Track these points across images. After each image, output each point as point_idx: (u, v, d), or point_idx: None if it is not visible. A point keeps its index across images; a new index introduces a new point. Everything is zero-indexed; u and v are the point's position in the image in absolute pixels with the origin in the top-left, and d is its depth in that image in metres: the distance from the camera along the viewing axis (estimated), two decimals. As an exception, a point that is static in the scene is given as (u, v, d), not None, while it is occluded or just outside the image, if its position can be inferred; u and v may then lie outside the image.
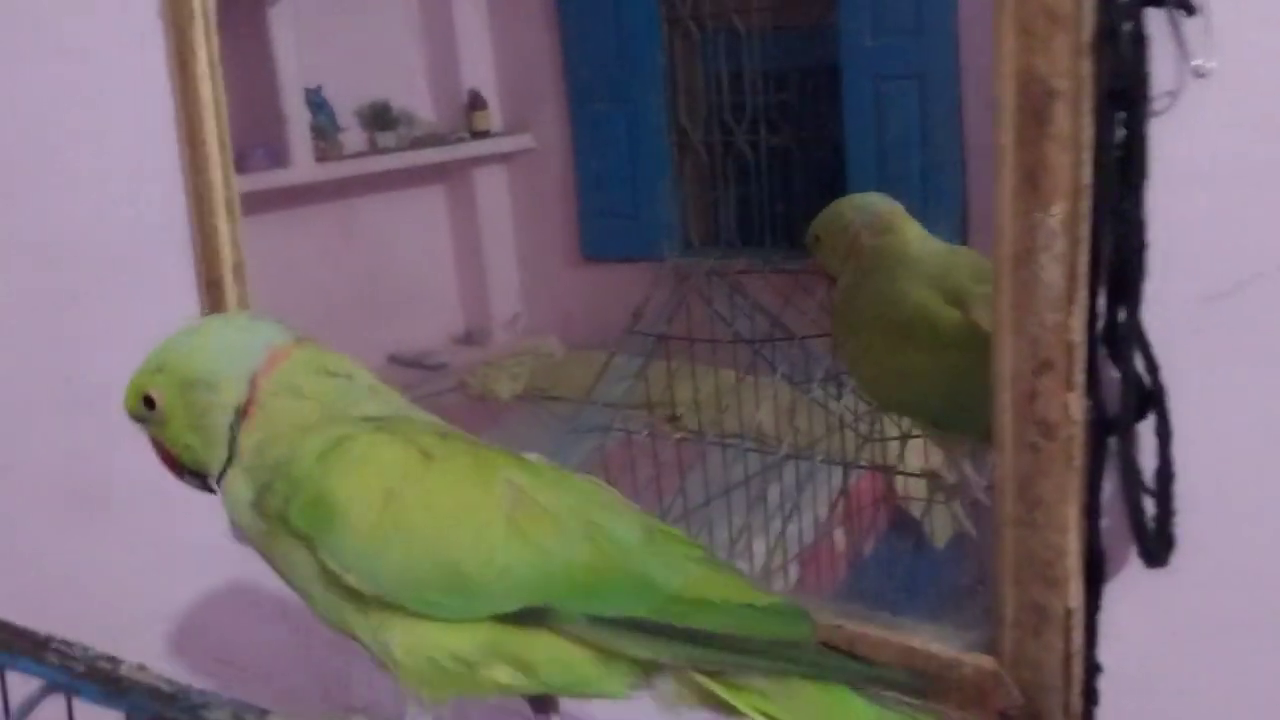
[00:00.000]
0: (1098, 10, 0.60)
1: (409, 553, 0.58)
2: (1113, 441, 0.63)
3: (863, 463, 0.94)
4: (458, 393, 1.27)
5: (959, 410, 0.80)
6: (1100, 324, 0.63)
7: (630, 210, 1.19)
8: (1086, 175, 0.62)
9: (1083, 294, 0.63)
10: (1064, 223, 0.62)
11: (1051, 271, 0.63)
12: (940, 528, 0.92)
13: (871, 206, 0.89)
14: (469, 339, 1.31)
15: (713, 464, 0.97)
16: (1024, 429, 0.65)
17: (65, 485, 1.29)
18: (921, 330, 0.81)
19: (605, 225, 1.20)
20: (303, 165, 1.25)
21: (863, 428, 0.95)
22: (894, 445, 0.93)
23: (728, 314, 1.00)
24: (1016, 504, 0.66)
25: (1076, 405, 0.63)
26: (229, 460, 0.62)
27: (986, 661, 0.69)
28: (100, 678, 0.63)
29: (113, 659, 0.66)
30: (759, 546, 0.94)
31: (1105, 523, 0.66)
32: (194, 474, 0.65)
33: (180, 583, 1.22)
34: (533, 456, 0.64)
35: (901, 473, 0.93)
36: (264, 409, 0.62)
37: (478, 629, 0.59)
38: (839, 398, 0.96)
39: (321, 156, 1.26)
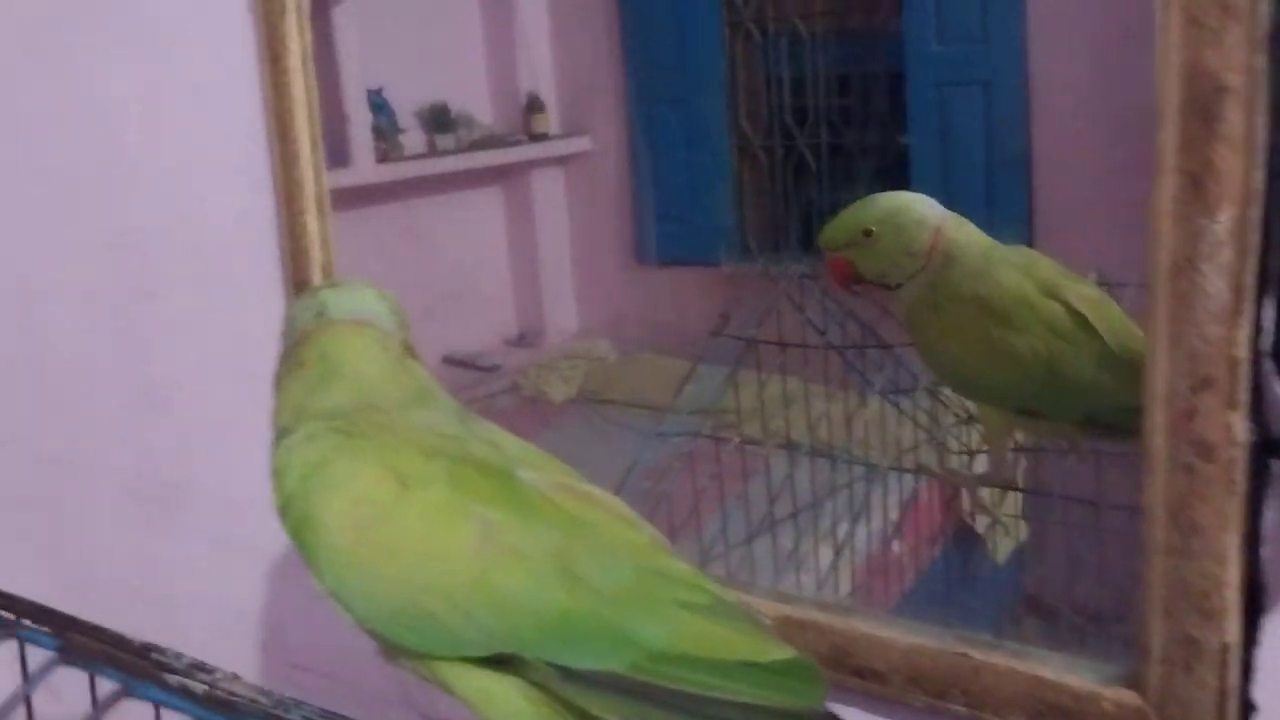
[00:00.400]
0: (1275, 1, 0.56)
1: (379, 588, 0.57)
2: (1276, 465, 0.60)
3: (931, 471, 0.93)
4: (511, 394, 1.27)
5: (1054, 396, 0.80)
6: (1268, 339, 0.59)
7: (687, 214, 1.18)
8: (1258, 179, 0.58)
9: (1249, 307, 0.59)
10: (1231, 230, 0.58)
11: (1215, 282, 0.59)
12: (1003, 543, 0.91)
13: (933, 203, 0.88)
14: (522, 341, 1.31)
15: (780, 473, 0.96)
16: (1179, 449, 0.62)
17: (137, 485, 1.30)
18: (1021, 313, 0.81)
19: (661, 229, 1.20)
20: (363, 166, 1.25)
21: (943, 438, 0.94)
22: (965, 457, 0.92)
23: (819, 321, 0.99)
24: (1169, 530, 0.62)
25: (1240, 425, 0.60)
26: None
27: (1129, 696, 0.66)
28: (210, 701, 0.61)
29: (204, 666, 0.64)
30: (825, 554, 0.93)
31: (1266, 552, 0.62)
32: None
33: (254, 585, 1.22)
34: (554, 471, 0.61)
35: (939, 477, 0.92)
36: (281, 386, 0.67)
37: (452, 667, 0.57)
38: (929, 409, 0.95)
39: (382, 158, 1.27)
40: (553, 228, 1.29)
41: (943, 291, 0.84)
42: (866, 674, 0.77)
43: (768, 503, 0.95)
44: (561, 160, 1.27)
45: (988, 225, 0.95)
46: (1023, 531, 0.90)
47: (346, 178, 1.23)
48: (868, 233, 0.86)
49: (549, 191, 1.29)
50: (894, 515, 0.93)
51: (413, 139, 1.28)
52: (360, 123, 1.24)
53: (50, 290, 1.31)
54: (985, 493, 0.91)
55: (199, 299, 1.19)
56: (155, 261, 1.22)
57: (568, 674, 0.54)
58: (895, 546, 0.93)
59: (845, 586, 0.92)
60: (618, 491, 1.00)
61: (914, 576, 0.93)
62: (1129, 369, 0.73)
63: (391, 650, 0.59)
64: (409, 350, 0.70)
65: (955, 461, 0.93)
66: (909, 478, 0.93)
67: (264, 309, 1.09)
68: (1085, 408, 0.80)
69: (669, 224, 1.20)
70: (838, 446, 0.95)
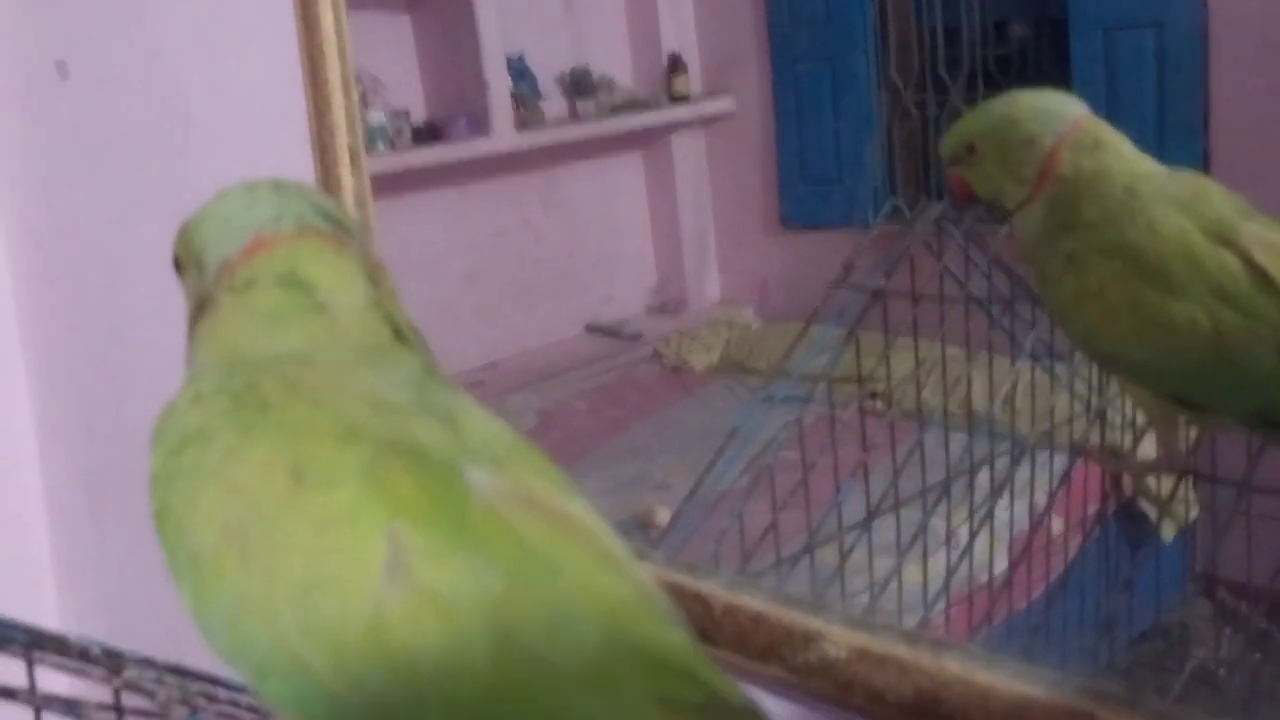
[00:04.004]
0: None
1: (244, 618, 0.41)
2: None
3: (1090, 451, 0.83)
4: (651, 362, 1.26)
5: (1218, 384, 0.62)
6: None
7: (834, 175, 1.14)
8: None
9: None
10: None
11: None
12: (1167, 523, 0.83)
13: (1061, 111, 0.72)
14: (664, 308, 1.29)
15: (908, 446, 0.89)
16: None
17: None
18: (1182, 271, 0.61)
19: (807, 191, 1.16)
20: (504, 134, 1.25)
21: (1104, 410, 0.82)
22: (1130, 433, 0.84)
23: (960, 271, 0.85)
24: None
25: None
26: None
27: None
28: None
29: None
30: (959, 537, 0.87)
31: None
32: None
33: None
34: (526, 471, 0.44)
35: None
36: (213, 306, 0.50)
37: None
38: (1088, 376, 0.82)
39: (522, 125, 1.26)
40: (695, 192, 1.26)
41: (1075, 237, 0.67)
42: (958, 727, 0.63)
43: (891, 479, 0.85)
44: (704, 122, 1.24)
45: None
46: (1193, 511, 0.80)
47: (487, 146, 1.23)
48: (971, 148, 0.73)
49: (691, 155, 1.26)
50: (1042, 496, 0.86)
51: (553, 105, 1.27)
52: (500, 90, 1.23)
53: (130, 264, 1.32)
54: (1152, 478, 0.81)
55: None
56: None
57: None
58: (1053, 526, 0.86)
59: (983, 576, 0.85)
60: (713, 464, 0.94)
61: (1064, 562, 0.87)
62: None
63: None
64: (379, 274, 0.52)
65: (1118, 439, 0.84)
66: (1062, 455, 0.85)
67: None
68: (1260, 401, 0.62)
69: (815, 186, 1.16)
70: (978, 416, 0.86)
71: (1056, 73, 0.95)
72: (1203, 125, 0.85)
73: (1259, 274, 0.59)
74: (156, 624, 0.65)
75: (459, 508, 0.41)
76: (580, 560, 0.41)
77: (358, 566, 0.39)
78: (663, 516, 1.01)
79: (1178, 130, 0.87)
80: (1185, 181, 0.68)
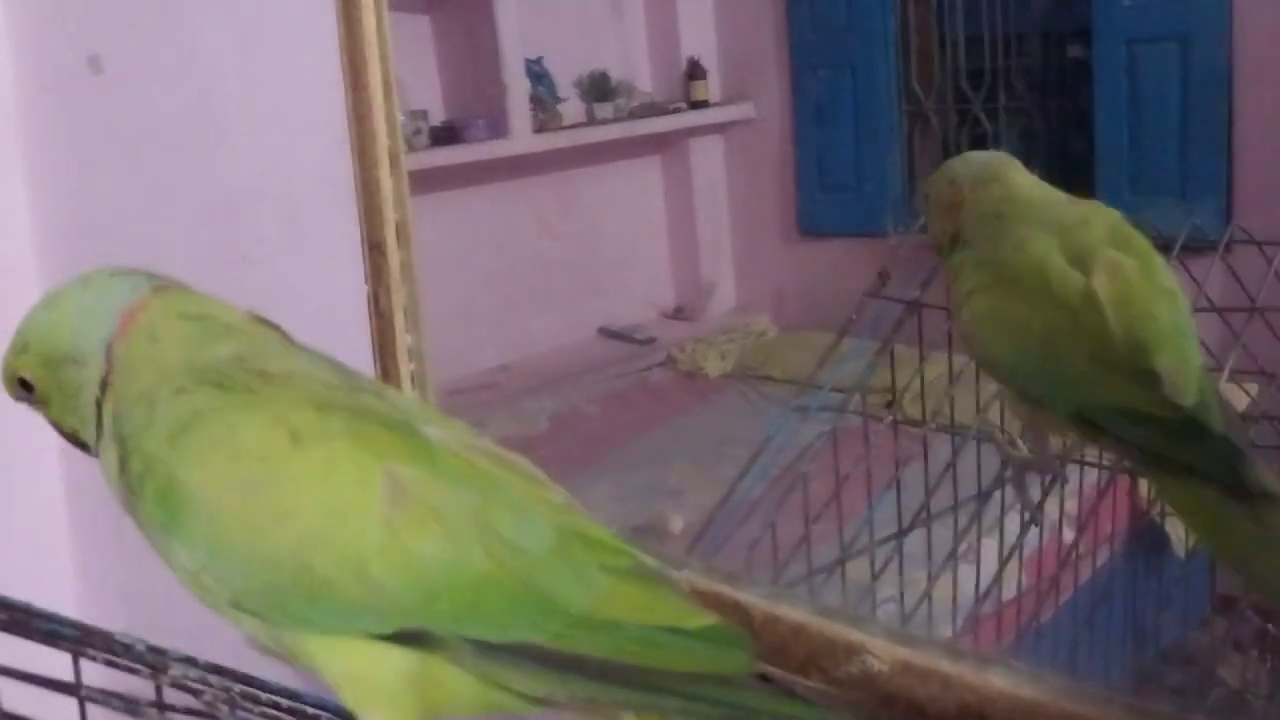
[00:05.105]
0: None
1: (266, 558, 0.49)
2: None
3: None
4: (666, 368, 1.25)
5: (1054, 381, 0.71)
6: None
7: (853, 182, 1.14)
8: None
9: None
10: None
11: None
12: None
13: (979, 159, 0.80)
14: (679, 313, 1.29)
15: (941, 460, 0.89)
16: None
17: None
18: (1035, 285, 0.71)
19: (826, 198, 1.16)
20: (521, 136, 1.25)
21: None
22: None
23: None
24: None
25: None
26: (100, 435, 0.55)
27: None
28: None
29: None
30: (989, 552, 0.87)
31: None
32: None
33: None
34: (456, 429, 0.54)
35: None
36: (122, 373, 0.54)
37: (365, 645, 0.50)
38: None
39: (540, 127, 1.26)
40: (712, 198, 1.26)
41: (962, 253, 0.76)
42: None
43: (924, 492, 0.87)
44: (722, 128, 1.24)
45: (1183, 197, 0.88)
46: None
47: (506, 148, 1.23)
48: (926, 196, 0.80)
49: (709, 160, 1.26)
50: (1071, 508, 0.86)
51: (572, 108, 1.27)
52: (519, 92, 1.23)
53: (161, 258, 1.32)
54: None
55: (280, 264, 1.17)
56: (252, 226, 1.23)
57: (485, 649, 0.49)
58: (1071, 542, 0.86)
59: (1011, 590, 0.85)
60: (746, 472, 0.96)
61: (1089, 576, 0.87)
62: (1130, 367, 0.66)
63: (264, 631, 0.52)
64: None
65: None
66: (1090, 469, 0.86)
67: (345, 275, 1.07)
68: (1077, 401, 0.70)
69: (834, 193, 1.16)
70: (1010, 432, 0.88)
71: (1078, 84, 0.95)
72: (1226, 137, 0.85)
73: (1092, 294, 0.68)
74: (175, 621, 0.65)
75: (428, 450, 0.51)
76: (521, 480, 0.52)
77: (366, 496, 0.49)
78: (676, 523, 1.01)
79: (1201, 142, 0.87)
80: (1076, 211, 0.75)
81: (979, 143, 1.02)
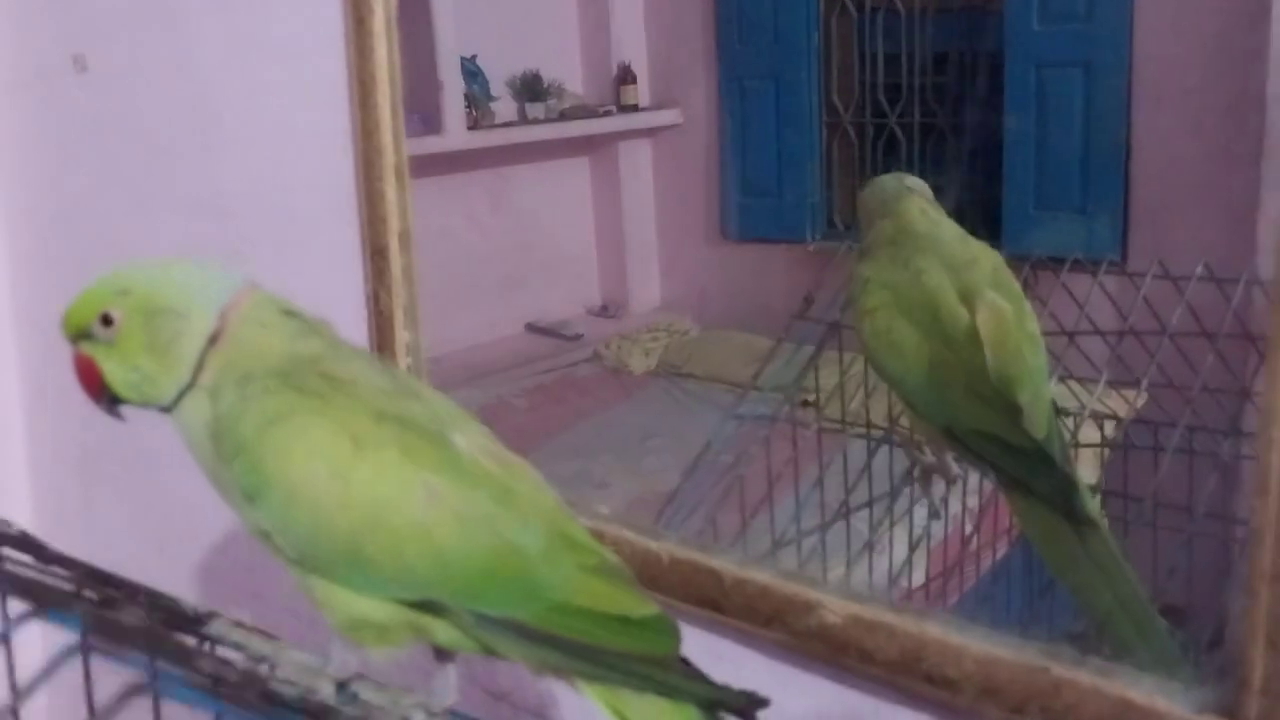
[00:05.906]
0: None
1: (325, 534, 0.62)
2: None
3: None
4: (592, 364, 1.28)
5: (933, 399, 0.82)
6: None
7: (775, 190, 1.17)
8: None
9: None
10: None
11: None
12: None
13: (884, 184, 0.90)
14: (605, 311, 1.31)
15: (858, 461, 0.95)
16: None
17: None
18: (925, 315, 0.82)
19: (748, 205, 1.19)
20: (455, 133, 1.27)
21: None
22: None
23: None
24: (1277, 556, 0.59)
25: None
26: (190, 385, 0.65)
27: (1225, 727, 0.62)
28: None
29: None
30: (900, 545, 0.92)
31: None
32: (114, 400, 0.67)
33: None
34: (474, 432, 0.66)
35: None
36: (232, 340, 0.65)
37: (382, 604, 0.64)
38: None
39: (473, 125, 1.28)
40: (639, 200, 1.29)
41: (868, 265, 0.87)
42: (938, 681, 0.75)
43: (844, 490, 0.94)
44: (650, 132, 1.27)
45: (1083, 214, 0.93)
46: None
47: (439, 144, 1.25)
48: (854, 209, 0.91)
49: (637, 163, 1.29)
50: (973, 505, 0.92)
51: (504, 107, 1.29)
52: (453, 90, 1.25)
53: (139, 250, 1.33)
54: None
55: (282, 263, 1.20)
56: (242, 225, 1.24)
57: (482, 619, 0.63)
58: (972, 539, 0.91)
59: (919, 578, 0.91)
60: (693, 471, 1.02)
61: (989, 571, 0.92)
62: (998, 398, 0.76)
63: (301, 581, 0.65)
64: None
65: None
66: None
67: (344, 278, 1.10)
68: (945, 419, 0.82)
69: (756, 200, 1.19)
70: (920, 438, 0.93)
71: (990, 103, 0.99)
72: (1125, 157, 0.90)
73: (973, 330, 0.79)
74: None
75: (456, 461, 0.64)
76: (525, 484, 0.65)
77: (409, 499, 0.62)
78: (601, 512, 1.03)
79: (1102, 158, 0.92)
80: (966, 250, 0.85)
81: (893, 156, 1.06)
